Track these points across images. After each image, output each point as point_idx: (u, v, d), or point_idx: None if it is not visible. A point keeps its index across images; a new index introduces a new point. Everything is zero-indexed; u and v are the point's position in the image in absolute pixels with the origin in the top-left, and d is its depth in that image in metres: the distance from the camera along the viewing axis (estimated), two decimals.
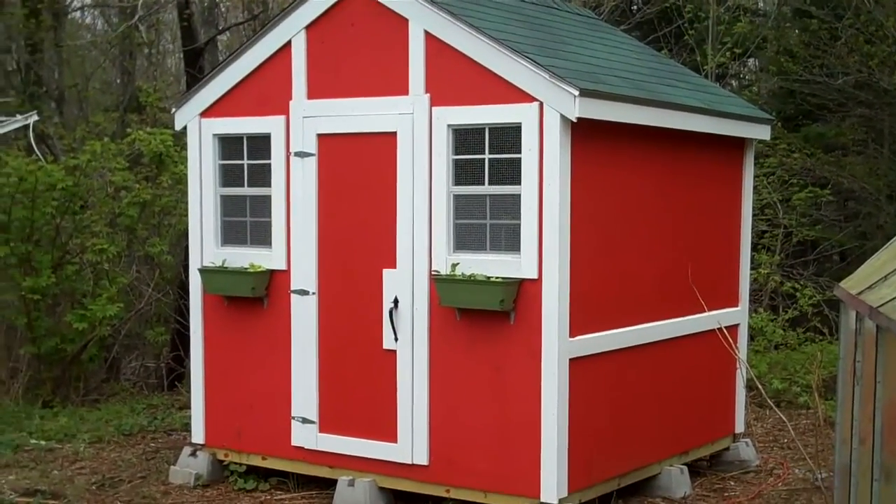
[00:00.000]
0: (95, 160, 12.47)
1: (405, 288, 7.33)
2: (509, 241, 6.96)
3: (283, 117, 7.79)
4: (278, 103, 7.81)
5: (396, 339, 7.38)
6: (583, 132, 6.87)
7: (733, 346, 8.29)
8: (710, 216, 8.32)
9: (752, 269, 11.70)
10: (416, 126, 7.23)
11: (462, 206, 7.13)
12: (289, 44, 7.74)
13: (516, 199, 6.89)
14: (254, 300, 7.97)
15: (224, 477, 8.32)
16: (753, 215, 10.95)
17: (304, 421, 7.80)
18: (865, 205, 17.27)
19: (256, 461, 8.14)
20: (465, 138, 7.10)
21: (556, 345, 6.81)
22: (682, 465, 8.08)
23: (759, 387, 8.74)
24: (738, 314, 8.70)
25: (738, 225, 8.69)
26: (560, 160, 6.73)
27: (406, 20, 7.24)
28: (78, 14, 23.00)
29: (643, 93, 7.38)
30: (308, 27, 7.66)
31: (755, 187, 13.67)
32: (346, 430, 7.64)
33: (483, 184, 7.04)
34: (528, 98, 6.80)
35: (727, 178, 8.55)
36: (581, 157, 6.89)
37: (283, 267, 7.84)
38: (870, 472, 5.42)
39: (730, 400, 8.74)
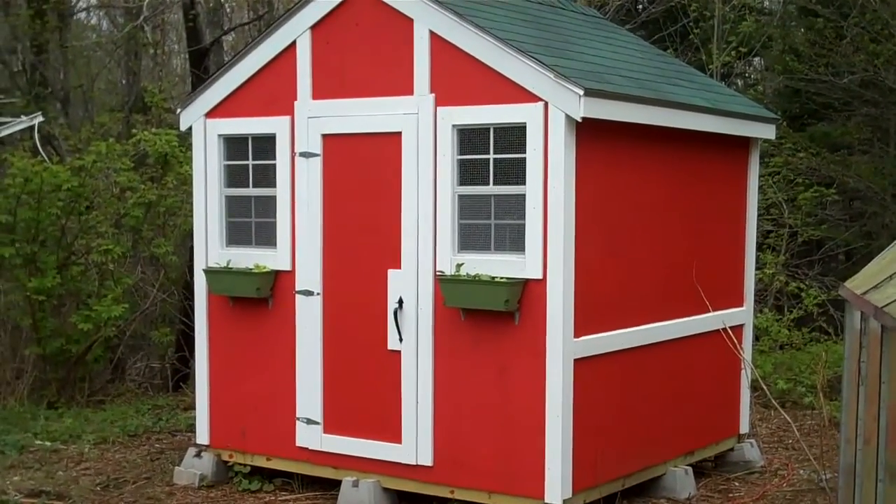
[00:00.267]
0: (101, 161, 12.48)
1: (410, 288, 7.32)
2: (514, 241, 6.96)
3: (287, 118, 7.79)
4: (283, 104, 7.81)
5: (401, 340, 7.38)
6: (588, 132, 6.86)
7: (738, 346, 8.29)
8: (715, 216, 8.31)
9: (757, 268, 11.69)
10: (421, 126, 7.22)
11: (467, 207, 7.12)
12: (294, 44, 7.74)
13: (521, 199, 6.88)
14: (258, 301, 7.97)
15: (228, 478, 8.32)
16: (759, 215, 10.94)
17: (309, 422, 7.80)
18: (871, 204, 17.25)
19: (261, 462, 8.14)
20: (469, 138, 7.09)
21: (561, 345, 6.80)
22: (687, 465, 8.07)
23: (764, 387, 8.74)
24: (742, 314, 8.69)
25: (743, 224, 8.68)
26: (565, 160, 6.73)
27: (411, 20, 7.24)
28: (83, 15, 23.02)
29: (648, 92, 7.37)
30: (313, 27, 7.66)
31: (760, 187, 13.68)
32: (350, 431, 7.64)
33: (488, 184, 7.03)
34: (532, 98, 6.80)
35: (732, 177, 8.54)
36: (586, 156, 6.89)
37: (288, 267, 7.84)
38: (874, 472, 5.41)
39: (735, 400, 8.73)
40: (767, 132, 8.73)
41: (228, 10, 21.22)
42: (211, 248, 8.21)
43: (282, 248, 7.86)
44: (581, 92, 6.62)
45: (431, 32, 7.16)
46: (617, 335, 7.30)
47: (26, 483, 8.38)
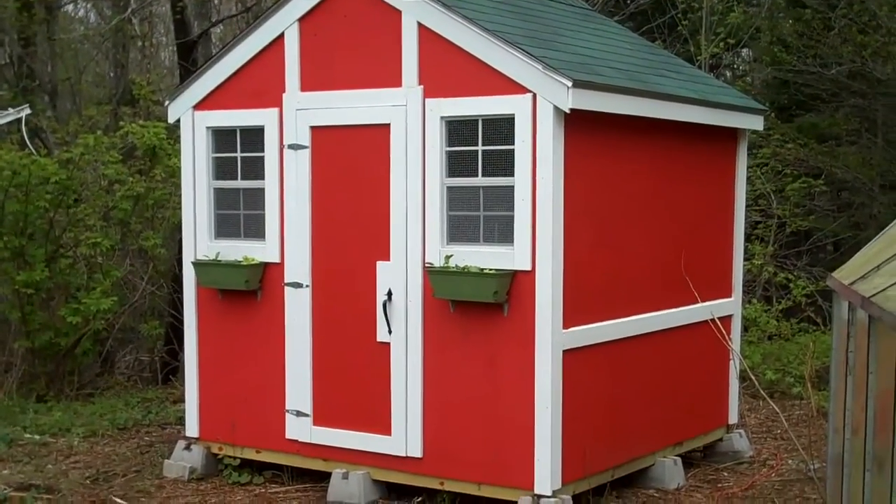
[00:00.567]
0: (89, 153, 12.45)
1: (399, 280, 7.33)
2: (503, 232, 6.96)
3: (276, 110, 7.78)
4: (271, 96, 7.81)
5: (390, 332, 7.38)
6: (576, 123, 6.86)
7: (726, 336, 8.31)
8: (703, 207, 8.32)
9: (745, 259, 11.72)
10: (410, 118, 7.22)
11: (455, 198, 7.13)
12: (282, 36, 7.73)
13: (510, 190, 6.89)
14: (248, 293, 7.97)
15: (218, 470, 8.32)
16: (747, 206, 10.98)
17: (298, 414, 7.80)
18: (859, 195, 17.29)
19: (251, 454, 8.15)
20: (458, 130, 7.09)
21: (550, 336, 6.81)
22: (676, 456, 8.09)
23: (753, 378, 8.76)
24: (731, 305, 8.71)
25: (731, 215, 8.70)
26: (553, 151, 6.73)
27: (399, 12, 7.23)
28: (70, 7, 22.95)
29: (636, 84, 7.37)
30: (301, 19, 7.65)
31: (749, 178, 13.71)
32: (340, 423, 7.65)
33: (476, 175, 7.03)
34: (521, 89, 6.80)
35: (720, 168, 8.56)
36: (574, 148, 6.89)
37: (277, 259, 7.84)
38: (862, 462, 5.43)
39: (723, 391, 8.75)
40: (755, 123, 8.74)
41: (216, 1, 21.16)
42: (200, 241, 8.20)
43: (270, 240, 7.86)
44: (569, 83, 6.62)
45: (420, 24, 7.16)
46: (606, 326, 7.31)
47: (16, 476, 8.37)
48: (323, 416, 7.73)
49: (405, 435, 7.36)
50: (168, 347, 14.36)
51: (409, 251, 7.28)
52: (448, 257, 7.10)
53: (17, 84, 17.47)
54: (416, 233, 7.24)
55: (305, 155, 7.68)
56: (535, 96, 6.76)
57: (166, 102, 8.45)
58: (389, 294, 7.36)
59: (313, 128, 7.65)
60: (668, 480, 7.91)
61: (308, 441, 7.79)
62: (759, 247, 14.67)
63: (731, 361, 8.63)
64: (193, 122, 8.18)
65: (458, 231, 7.14)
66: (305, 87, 7.67)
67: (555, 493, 6.89)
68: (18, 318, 12.15)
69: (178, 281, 12.93)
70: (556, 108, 6.70)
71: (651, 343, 7.78)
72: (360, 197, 7.47)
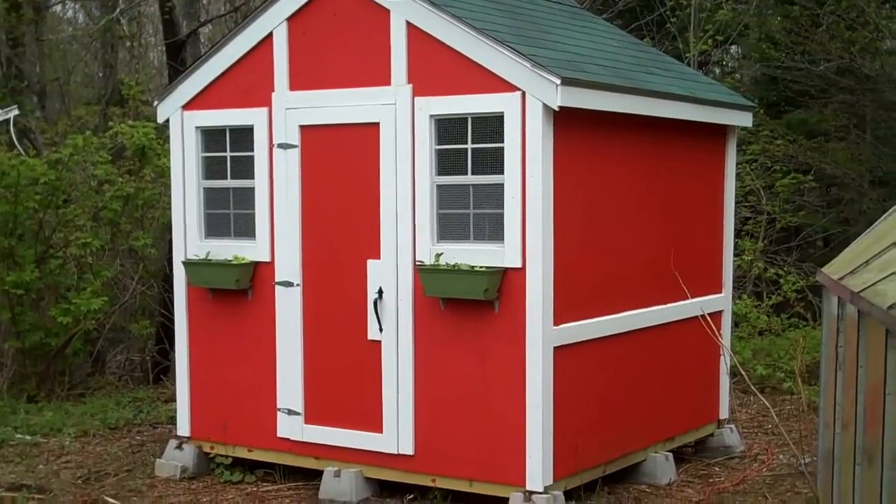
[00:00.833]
0: (78, 154, 12.43)
1: (389, 278, 7.33)
2: (493, 230, 6.97)
3: (265, 109, 7.79)
4: (261, 95, 7.81)
5: (381, 330, 7.39)
6: (565, 121, 6.88)
7: (717, 332, 8.33)
8: (693, 203, 8.34)
9: (735, 255, 11.72)
10: (399, 116, 7.23)
11: (445, 196, 7.13)
12: (270, 35, 7.73)
13: (499, 188, 6.90)
14: (238, 292, 7.97)
15: (210, 469, 8.32)
16: (737, 202, 11.00)
17: (290, 412, 7.81)
18: (848, 191, 17.33)
19: (242, 453, 8.15)
20: (447, 128, 7.10)
21: (541, 333, 6.83)
22: (668, 451, 8.11)
23: (743, 373, 8.77)
24: (721, 301, 8.73)
25: (721, 211, 8.72)
26: (543, 149, 6.74)
27: (387, 11, 7.24)
28: (59, 7, 22.91)
29: (625, 81, 7.39)
30: (289, 18, 7.65)
31: (738, 174, 13.72)
32: (331, 421, 7.65)
33: (466, 173, 7.04)
34: (510, 87, 6.81)
35: (710, 165, 8.58)
36: (564, 145, 6.91)
37: (267, 259, 7.84)
38: (852, 456, 5.45)
39: (714, 386, 8.77)
40: (744, 120, 8.76)
41: (205, 1, 21.14)
42: (190, 240, 8.20)
43: (261, 239, 7.86)
44: (558, 81, 6.63)
45: (408, 23, 7.16)
46: (596, 323, 7.33)
47: (7, 477, 8.36)
48: (314, 414, 7.73)
49: (397, 432, 7.37)
50: (159, 347, 14.35)
51: (399, 249, 7.28)
52: (438, 255, 7.10)
53: (6, 85, 17.43)
54: (407, 231, 7.24)
55: (295, 154, 7.68)
56: (524, 94, 6.77)
57: (155, 102, 8.44)
58: (380, 292, 7.37)
59: (303, 127, 7.65)
60: (659, 476, 7.93)
61: (300, 439, 7.80)
62: (749, 243, 14.68)
63: (722, 357, 8.65)
64: (182, 121, 8.17)
65: (449, 229, 7.15)
66: (294, 86, 7.67)
67: (546, 490, 6.91)
68: (8, 319, 12.14)
69: (168, 281, 12.93)
70: (546, 106, 6.71)
71: (642, 339, 7.80)
72: (350, 196, 7.48)
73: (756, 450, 9.01)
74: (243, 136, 7.93)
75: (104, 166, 12.81)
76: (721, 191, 8.70)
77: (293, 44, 7.66)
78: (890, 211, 6.64)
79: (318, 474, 7.73)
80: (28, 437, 9.59)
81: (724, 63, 20.47)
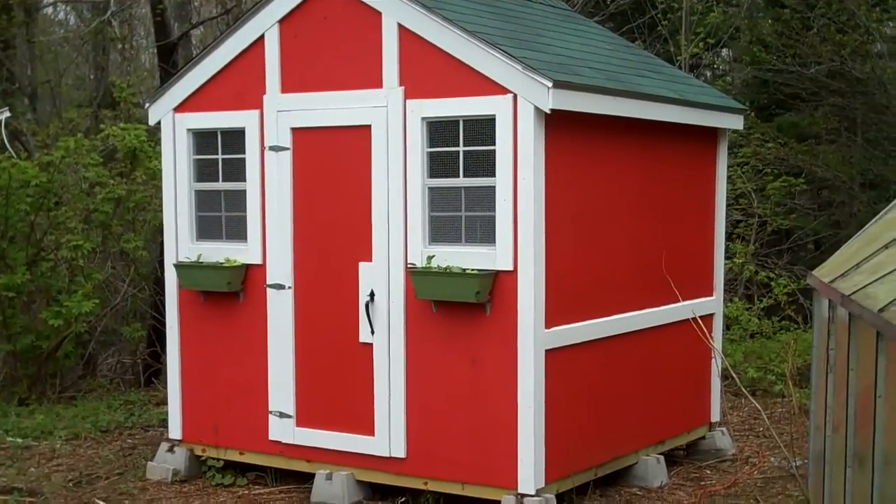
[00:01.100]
0: (69, 156, 12.42)
1: (381, 281, 7.33)
2: (485, 233, 6.98)
3: (257, 111, 7.78)
4: (252, 98, 7.80)
5: (373, 333, 7.39)
6: (557, 124, 6.88)
7: (708, 335, 8.34)
8: (684, 206, 8.35)
9: (726, 258, 11.76)
10: (391, 119, 7.23)
11: (437, 199, 7.14)
12: (262, 38, 7.73)
13: (491, 191, 6.90)
14: (230, 295, 7.96)
15: (202, 472, 8.31)
16: (728, 205, 10.99)
17: (282, 415, 7.80)
18: (839, 193, 17.38)
19: (234, 456, 8.14)
20: (439, 131, 7.10)
21: (532, 336, 6.83)
22: (659, 454, 8.12)
23: (735, 376, 8.79)
24: (712, 304, 8.74)
25: (712, 215, 8.73)
26: (534, 152, 6.75)
27: (379, 13, 7.24)
28: (50, 10, 22.88)
29: (617, 84, 7.40)
30: (281, 21, 7.65)
31: (729, 177, 13.72)
32: (323, 424, 7.65)
33: (458, 176, 7.05)
34: (501, 90, 6.81)
35: (701, 167, 8.59)
36: (555, 148, 6.91)
37: (259, 261, 7.83)
38: (843, 458, 5.46)
39: (705, 389, 8.78)
40: (735, 123, 8.78)
41: (196, 4, 21.13)
42: (181, 243, 8.19)
43: (252, 241, 7.85)
44: (549, 84, 6.64)
45: (400, 25, 7.17)
46: (588, 325, 7.33)
47: None
48: (306, 417, 7.73)
49: (388, 435, 7.37)
50: (150, 350, 14.33)
51: (391, 252, 7.28)
52: (430, 258, 7.10)
53: None
54: (398, 233, 7.24)
55: (287, 156, 7.67)
56: (515, 97, 6.77)
57: (147, 105, 8.43)
58: (372, 295, 7.37)
59: (294, 129, 7.65)
60: (651, 478, 7.94)
61: (291, 442, 7.79)
62: (741, 245, 14.71)
63: (713, 360, 8.66)
64: (174, 124, 8.17)
65: (440, 232, 7.15)
66: (286, 88, 7.67)
67: (538, 492, 6.91)
68: None
69: (159, 283, 12.91)
70: (537, 109, 6.72)
71: (633, 342, 7.80)
72: (342, 198, 7.48)
73: (747, 452, 9.03)
74: (235, 138, 7.93)
75: (95, 169, 12.79)
76: (712, 193, 8.72)
77: (285, 46, 7.66)
78: (881, 214, 6.66)
79: (309, 477, 7.72)
80: (19, 440, 9.57)
81: (716, 66, 20.51)
